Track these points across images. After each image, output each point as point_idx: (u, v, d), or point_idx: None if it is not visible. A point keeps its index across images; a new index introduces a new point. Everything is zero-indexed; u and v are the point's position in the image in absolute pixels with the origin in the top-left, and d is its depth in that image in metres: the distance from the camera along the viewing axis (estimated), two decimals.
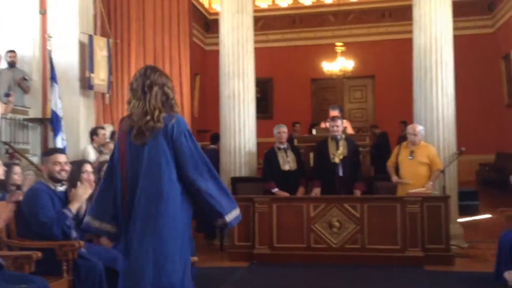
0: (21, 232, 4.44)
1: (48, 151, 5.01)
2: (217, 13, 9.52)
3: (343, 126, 7.78)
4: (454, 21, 8.46)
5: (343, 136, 7.64)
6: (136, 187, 3.28)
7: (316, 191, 7.51)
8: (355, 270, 6.53)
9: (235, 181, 8.34)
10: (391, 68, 15.45)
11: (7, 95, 7.69)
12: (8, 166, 5.34)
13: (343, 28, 16.23)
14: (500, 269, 5.33)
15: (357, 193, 7.40)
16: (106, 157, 7.52)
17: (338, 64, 14.77)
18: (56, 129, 7.83)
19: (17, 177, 5.41)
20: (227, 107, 8.59)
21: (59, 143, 7.73)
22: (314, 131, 9.55)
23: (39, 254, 4.06)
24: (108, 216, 3.39)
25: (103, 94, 9.16)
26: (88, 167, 5.00)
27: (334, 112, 9.08)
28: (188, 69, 9.74)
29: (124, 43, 9.64)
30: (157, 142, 3.24)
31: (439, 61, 8.09)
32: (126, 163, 3.30)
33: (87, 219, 3.43)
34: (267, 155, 7.94)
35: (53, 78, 7.97)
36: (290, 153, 7.81)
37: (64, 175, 4.65)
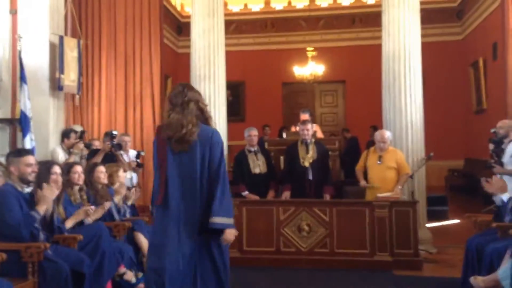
0: None
1: (18, 152, 4.87)
2: (189, 16, 9.49)
3: (313, 130, 7.82)
4: (423, 28, 8.57)
5: (313, 140, 7.68)
6: (174, 185, 3.82)
7: (286, 195, 7.54)
8: (324, 274, 6.54)
9: None
10: (362, 74, 15.61)
11: None
12: None
13: (314, 33, 16.36)
14: (467, 274, 5.34)
15: (327, 197, 7.44)
16: (76, 158, 7.45)
17: (309, 69, 14.86)
18: (25, 130, 7.72)
19: None
20: None
21: (28, 144, 7.61)
22: (284, 135, 9.58)
23: (4, 255, 4.01)
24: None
25: (73, 95, 9.06)
26: (57, 169, 4.95)
27: (305, 116, 9.12)
28: (158, 71, 9.68)
29: (95, 44, 9.55)
30: (195, 150, 3.81)
31: (407, 67, 8.16)
32: (167, 165, 3.82)
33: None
34: (237, 157, 7.94)
35: (23, 79, 7.85)
36: (260, 156, 7.82)
37: (34, 176, 4.61)
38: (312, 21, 16.63)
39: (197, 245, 3.80)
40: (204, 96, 8.25)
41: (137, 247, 5.88)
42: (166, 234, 3.79)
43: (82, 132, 8.28)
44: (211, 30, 8.63)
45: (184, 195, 3.82)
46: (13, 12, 8.32)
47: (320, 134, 9.47)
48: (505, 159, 6.60)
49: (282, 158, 8.19)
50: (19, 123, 7.80)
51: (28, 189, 4.65)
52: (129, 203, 6.56)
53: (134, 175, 8.06)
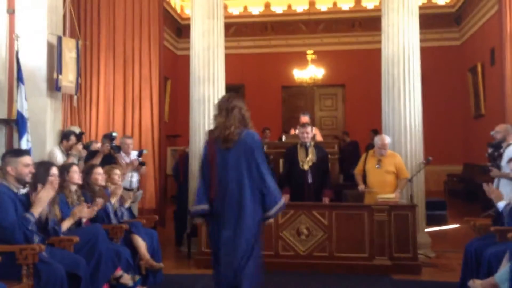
0: None
1: (16, 152, 4.78)
2: (189, 18, 9.43)
3: (312, 133, 7.78)
4: (422, 33, 8.58)
5: (312, 143, 7.64)
6: (224, 177, 4.55)
7: (285, 198, 7.49)
8: (323, 278, 6.51)
9: None
10: (361, 78, 15.62)
11: None
12: None
13: (314, 37, 16.37)
14: (465, 278, 5.37)
15: (326, 200, 7.40)
16: (74, 159, 7.40)
17: (309, 72, 14.84)
18: (21, 131, 7.66)
19: None
20: (197, 112, 8.54)
21: (24, 145, 7.56)
22: (284, 138, 9.54)
23: None
24: (205, 199, 4.62)
25: (71, 96, 9.01)
26: (55, 170, 4.90)
27: (305, 118, 9.09)
28: (157, 73, 9.62)
29: (94, 45, 9.48)
30: (238, 148, 4.55)
31: (406, 71, 8.16)
32: (216, 162, 4.58)
33: (194, 208, 4.73)
34: None
35: (20, 79, 7.80)
36: None
37: (30, 177, 4.55)
38: (312, 25, 16.66)
39: (242, 224, 4.53)
40: (203, 98, 8.38)
41: (134, 250, 5.82)
42: (218, 220, 4.58)
43: (81, 134, 8.23)
44: (210, 32, 8.59)
45: (228, 185, 4.53)
46: (11, 11, 8.27)
47: (319, 137, 9.43)
48: (503, 162, 6.59)
49: (281, 161, 8.15)
50: (16, 124, 7.75)
51: (23, 190, 4.58)
52: (126, 205, 6.49)
53: (135, 175, 7.98)
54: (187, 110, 8.81)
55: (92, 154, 7.65)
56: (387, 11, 8.35)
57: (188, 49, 9.00)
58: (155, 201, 9.47)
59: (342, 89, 17.00)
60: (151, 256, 5.90)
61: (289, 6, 16.79)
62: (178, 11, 16.67)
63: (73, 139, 7.78)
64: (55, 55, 8.38)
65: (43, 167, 4.83)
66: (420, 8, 8.59)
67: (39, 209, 4.40)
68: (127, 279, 5.29)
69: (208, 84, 8.53)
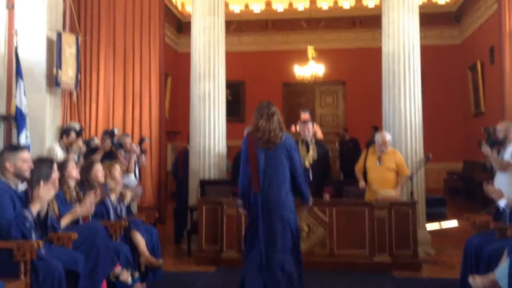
0: None
1: (14, 148, 4.72)
2: (190, 15, 9.42)
3: (313, 130, 7.75)
4: (422, 31, 8.63)
5: (313, 139, 7.61)
6: (267, 173, 5.15)
7: None
8: (323, 275, 6.49)
9: (204, 183, 8.25)
10: (362, 75, 15.62)
11: None
12: None
13: (314, 34, 16.34)
14: (465, 275, 5.34)
15: (327, 197, 7.37)
16: (74, 156, 7.37)
17: (309, 69, 14.81)
18: (20, 127, 7.62)
19: None
20: (197, 108, 8.52)
21: (23, 141, 7.53)
22: None
23: None
24: (247, 193, 5.27)
25: (70, 92, 8.98)
26: (56, 168, 4.85)
27: (305, 115, 9.07)
28: (158, 69, 9.59)
29: (94, 41, 9.45)
30: (278, 150, 5.18)
31: (407, 68, 8.20)
32: (257, 160, 5.17)
33: (240, 202, 5.40)
34: (237, 157, 7.85)
35: (19, 74, 7.77)
36: None
37: (29, 173, 4.50)
38: (312, 22, 16.64)
39: (280, 214, 5.13)
40: (203, 95, 8.37)
41: (133, 247, 5.79)
42: (263, 210, 5.13)
43: (81, 130, 8.21)
44: (211, 28, 8.58)
45: (270, 180, 5.13)
46: (10, 7, 8.24)
47: (320, 134, 9.40)
48: (506, 156, 6.56)
49: None
50: (15, 120, 7.72)
51: (22, 187, 4.53)
52: (126, 202, 6.46)
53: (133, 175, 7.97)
54: (187, 107, 8.80)
55: (92, 150, 7.63)
56: (388, 9, 8.38)
57: (189, 45, 8.99)
58: (155, 198, 9.45)
59: (343, 87, 16.98)
60: (150, 253, 5.87)
61: (290, 4, 16.77)
62: (179, 8, 16.63)
63: (73, 135, 7.76)
64: (54, 50, 8.36)
65: (45, 164, 4.75)
66: (420, 6, 8.63)
67: (37, 206, 4.34)
68: (126, 276, 5.25)
69: (208, 80, 8.52)
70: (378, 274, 6.62)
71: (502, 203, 5.51)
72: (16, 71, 7.80)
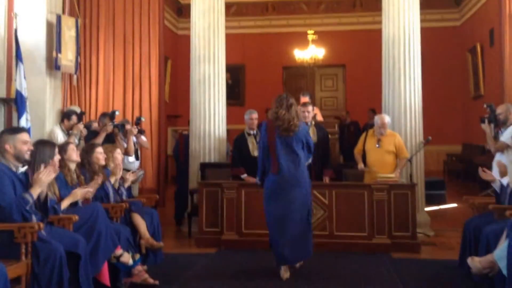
0: None
1: (13, 129, 4.71)
2: None
3: (313, 113, 7.76)
4: (422, 14, 8.59)
5: (313, 122, 7.62)
6: (286, 157, 5.80)
7: None
8: (323, 256, 6.52)
9: (204, 166, 8.27)
10: (362, 58, 15.57)
11: None
12: None
13: (315, 17, 16.27)
14: (464, 256, 5.41)
15: (326, 179, 7.40)
16: (75, 139, 7.37)
17: (310, 53, 14.78)
18: (20, 110, 7.62)
19: None
20: (197, 92, 8.52)
21: (24, 124, 7.52)
22: None
23: None
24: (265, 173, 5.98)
25: (70, 75, 8.97)
26: (56, 151, 4.86)
27: (305, 98, 9.07)
28: (157, 53, 9.58)
29: (93, 23, 9.43)
30: (296, 136, 5.82)
31: (407, 51, 8.18)
32: (276, 146, 5.80)
33: (259, 182, 6.11)
34: (236, 140, 7.88)
35: (19, 57, 7.75)
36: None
37: (29, 155, 4.50)
38: (313, 5, 16.57)
39: (298, 193, 5.83)
40: (203, 78, 8.37)
41: (134, 229, 5.82)
42: (281, 189, 5.80)
43: (82, 113, 8.20)
44: (211, 11, 8.55)
45: (288, 164, 5.77)
46: None
47: (320, 117, 9.41)
48: (504, 138, 6.57)
49: None
50: (15, 103, 7.71)
51: (22, 169, 4.53)
52: (126, 185, 6.48)
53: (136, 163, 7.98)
54: (188, 90, 8.79)
55: (92, 133, 7.64)
56: None
57: (188, 28, 8.96)
58: (156, 181, 9.48)
59: (343, 70, 16.95)
60: (151, 235, 5.89)
61: None
62: None
63: (74, 118, 7.75)
64: (54, 33, 8.32)
65: (46, 147, 4.75)
66: None
67: (38, 190, 4.32)
68: (127, 258, 5.28)
69: (208, 63, 8.51)
70: (377, 255, 6.65)
71: (504, 181, 5.51)
72: (16, 54, 7.78)
